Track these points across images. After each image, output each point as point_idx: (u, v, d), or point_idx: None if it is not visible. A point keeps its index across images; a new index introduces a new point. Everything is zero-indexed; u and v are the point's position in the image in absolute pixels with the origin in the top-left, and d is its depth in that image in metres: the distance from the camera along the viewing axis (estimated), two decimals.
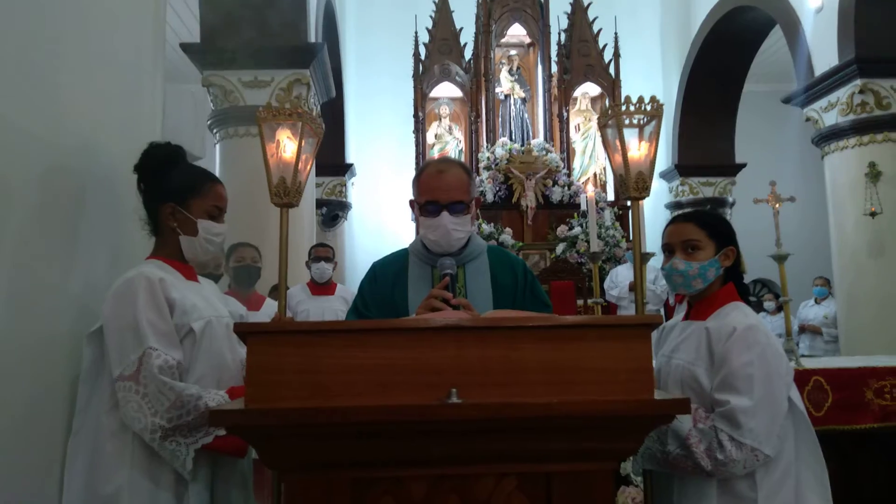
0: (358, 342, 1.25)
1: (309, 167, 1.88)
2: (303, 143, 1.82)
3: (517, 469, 1.29)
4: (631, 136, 1.76)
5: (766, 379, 1.55)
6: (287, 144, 1.82)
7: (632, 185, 1.78)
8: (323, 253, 4.48)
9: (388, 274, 1.88)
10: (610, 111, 1.77)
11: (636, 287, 1.79)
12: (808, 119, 6.57)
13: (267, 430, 1.24)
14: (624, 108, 1.71)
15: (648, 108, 1.71)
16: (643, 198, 1.81)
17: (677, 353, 1.70)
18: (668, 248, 1.76)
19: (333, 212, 8.76)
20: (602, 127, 1.81)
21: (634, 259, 1.79)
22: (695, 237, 1.72)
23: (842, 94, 6.05)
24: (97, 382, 1.58)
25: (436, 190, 1.80)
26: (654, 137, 1.74)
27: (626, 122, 1.73)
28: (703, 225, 1.73)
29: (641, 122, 1.75)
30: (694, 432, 1.55)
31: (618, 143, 1.77)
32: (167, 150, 1.77)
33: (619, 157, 1.78)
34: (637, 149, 1.77)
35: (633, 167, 1.76)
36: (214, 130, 6.01)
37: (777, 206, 3.03)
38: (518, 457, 1.28)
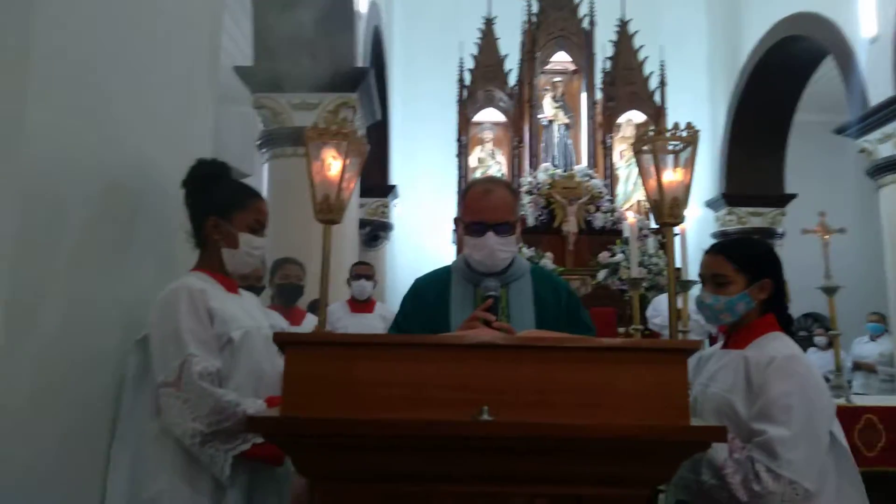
0: (393, 356, 1.27)
1: (352, 186, 1.93)
2: (347, 162, 1.87)
3: (548, 491, 1.28)
4: (666, 162, 1.75)
5: (806, 410, 1.51)
6: (332, 163, 1.88)
7: (666, 210, 1.77)
8: (363, 271, 4.54)
9: (431, 291, 1.89)
10: (645, 136, 1.77)
11: (670, 313, 1.76)
12: (862, 150, 6.39)
13: (301, 438, 1.26)
14: (656, 134, 1.71)
15: (684, 134, 1.70)
16: (677, 223, 1.80)
17: (714, 382, 1.67)
18: (702, 279, 1.74)
19: (374, 232, 8.87)
20: (637, 152, 1.81)
21: (669, 285, 1.77)
22: (722, 271, 1.69)
23: None
24: (141, 389, 1.63)
25: (482, 210, 1.80)
26: (690, 163, 1.73)
27: (665, 147, 1.73)
28: (732, 258, 1.70)
29: (676, 147, 1.74)
30: (730, 462, 1.51)
31: (653, 168, 1.76)
32: (213, 166, 1.84)
33: (653, 183, 1.78)
34: (672, 174, 1.75)
35: (667, 193, 1.75)
36: (263, 150, 6.18)
37: (827, 237, 2.94)
38: (549, 478, 1.27)
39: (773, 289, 1.69)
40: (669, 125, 1.83)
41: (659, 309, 6.70)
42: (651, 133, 1.64)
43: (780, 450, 1.48)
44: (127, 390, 1.64)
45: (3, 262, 1.34)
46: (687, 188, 1.65)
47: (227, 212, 1.77)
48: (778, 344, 1.62)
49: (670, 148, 1.62)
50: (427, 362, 1.26)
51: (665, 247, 7.32)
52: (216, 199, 1.78)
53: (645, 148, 1.63)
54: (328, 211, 1.80)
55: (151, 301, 1.71)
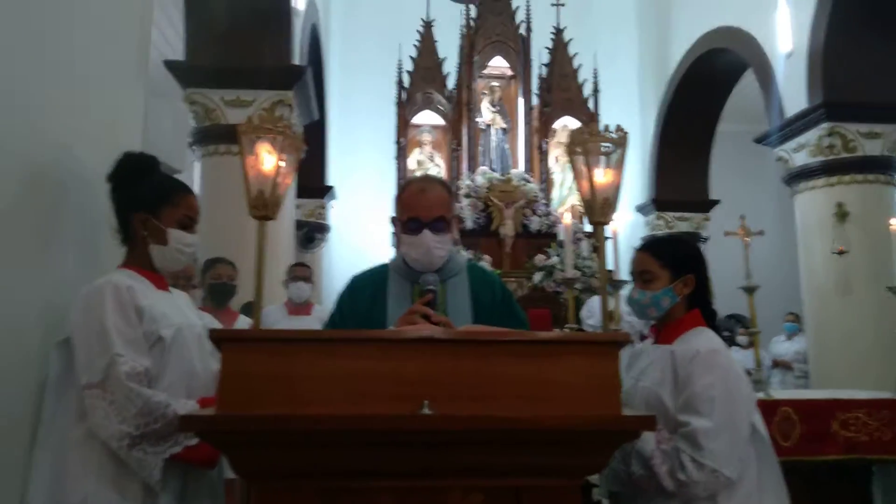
0: (331, 352, 1.26)
1: (288, 182, 1.90)
2: (283, 157, 1.84)
3: (485, 483, 1.30)
4: (598, 162, 1.81)
5: (727, 401, 1.59)
6: (266, 158, 1.84)
7: (598, 209, 1.83)
8: (301, 273, 4.46)
9: (368, 288, 1.89)
10: (578, 137, 1.82)
11: (602, 311, 1.82)
12: (779, 159, 6.77)
13: (237, 436, 1.23)
14: (590, 135, 1.76)
15: (614, 136, 1.76)
16: (607, 223, 1.86)
17: (644, 376, 1.73)
18: (632, 276, 1.82)
19: (311, 233, 8.74)
20: (571, 153, 1.86)
21: (601, 282, 1.82)
22: (647, 267, 1.77)
23: (811, 136, 6.25)
24: (64, 392, 1.56)
25: (417, 207, 1.83)
26: (620, 164, 1.79)
27: (592, 149, 1.78)
28: (657, 255, 1.78)
29: (608, 149, 1.80)
30: (657, 453, 1.57)
31: (585, 169, 1.81)
32: (140, 159, 1.78)
33: (586, 184, 1.83)
34: (603, 175, 1.81)
35: (598, 193, 1.81)
36: (195, 148, 6.00)
37: (747, 239, 3.11)
38: (487, 471, 1.29)
39: (697, 284, 1.77)
40: (590, 126, 1.89)
41: (593, 310, 6.88)
42: (584, 135, 1.68)
43: (702, 440, 1.55)
44: (49, 394, 1.56)
45: None
46: (617, 189, 1.71)
47: (156, 207, 1.71)
48: (702, 338, 1.70)
49: (602, 149, 1.67)
50: (366, 357, 1.26)
51: (596, 247, 7.45)
52: (144, 193, 1.72)
53: (578, 149, 1.68)
54: (263, 207, 1.76)
55: (73, 300, 1.63)
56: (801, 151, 6.38)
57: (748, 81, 8.35)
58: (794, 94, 6.44)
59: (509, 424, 1.24)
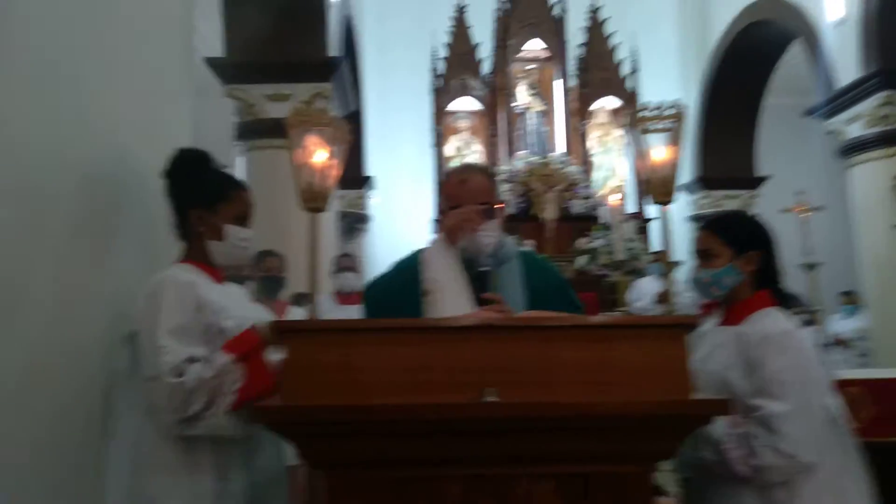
0: (394, 341, 1.25)
1: (336, 173, 1.91)
2: (331, 149, 1.84)
3: (554, 470, 1.28)
4: (654, 141, 1.75)
5: (801, 384, 1.53)
6: (315, 150, 1.85)
7: (656, 189, 1.78)
8: (347, 263, 4.49)
9: (395, 295, 1.82)
10: (634, 116, 1.77)
11: (667, 290, 1.77)
12: (830, 132, 6.51)
13: (304, 427, 1.24)
14: (646, 113, 1.71)
15: (670, 112, 1.71)
16: (668, 202, 1.80)
17: (711, 359, 1.68)
18: (695, 256, 1.76)
19: (352, 224, 8.81)
20: (627, 134, 1.81)
21: (664, 264, 1.77)
22: (709, 245, 1.71)
23: (866, 106, 6.00)
24: (134, 386, 1.59)
25: (460, 197, 1.81)
26: (678, 141, 1.74)
27: (650, 127, 1.73)
28: (718, 232, 1.72)
29: (666, 126, 1.74)
30: (729, 438, 1.53)
31: (642, 147, 1.76)
32: (195, 155, 1.79)
33: (644, 163, 1.78)
34: (660, 153, 1.76)
35: (656, 172, 1.76)
36: (236, 143, 6.08)
37: (805, 215, 2.99)
38: (554, 458, 1.27)
39: (762, 262, 1.70)
40: (641, 103, 1.83)
41: (641, 293, 6.77)
42: (640, 113, 1.64)
43: (777, 424, 1.49)
44: (122, 388, 1.60)
45: None
46: (675, 166, 1.65)
47: (212, 203, 1.72)
48: (772, 320, 1.63)
49: (659, 127, 1.62)
50: (429, 346, 1.26)
51: (643, 228, 7.30)
52: (199, 190, 1.73)
53: (637, 128, 1.63)
54: (313, 199, 1.77)
55: (135, 293, 1.66)
56: (855, 123, 6.13)
57: (793, 53, 8.06)
58: (846, 64, 6.18)
59: (574, 411, 1.22)
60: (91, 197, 1.69)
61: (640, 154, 1.72)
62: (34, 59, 1.47)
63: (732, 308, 1.72)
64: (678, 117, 1.68)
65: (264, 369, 1.52)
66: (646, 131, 1.67)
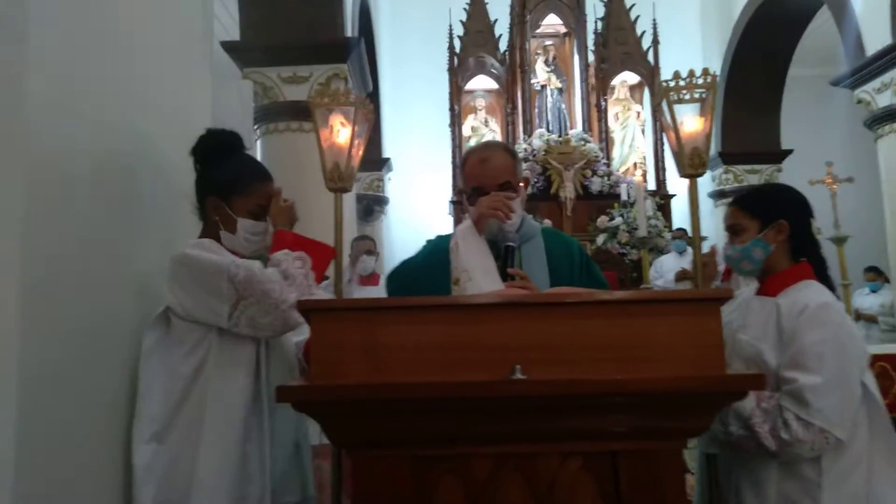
0: (421, 319, 1.24)
1: (361, 153, 1.89)
2: (356, 129, 1.82)
3: (583, 448, 1.26)
4: (684, 111, 1.71)
5: (839, 358, 1.49)
6: (340, 130, 1.83)
7: (686, 161, 1.74)
8: (365, 246, 4.50)
9: (423, 282, 1.77)
10: (661, 87, 1.73)
11: (696, 266, 1.74)
12: (859, 101, 6.34)
13: (331, 406, 1.24)
14: (674, 83, 1.66)
15: (701, 81, 1.66)
16: (700, 175, 1.76)
17: (744, 329, 1.64)
18: (727, 234, 1.73)
19: (370, 206, 8.82)
20: (657, 105, 1.77)
21: (694, 238, 1.74)
22: (736, 220, 1.69)
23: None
24: (161, 363, 1.60)
25: (480, 177, 1.77)
26: (710, 110, 1.69)
27: (681, 96, 1.68)
28: (743, 205, 1.69)
29: (698, 95, 1.69)
30: (757, 412, 1.50)
31: (672, 119, 1.72)
32: (222, 138, 1.76)
33: (673, 135, 1.74)
34: (692, 124, 1.72)
35: (687, 143, 1.72)
36: (256, 126, 6.09)
37: (834, 186, 2.92)
38: (583, 435, 1.26)
39: (796, 231, 1.65)
40: (672, 73, 1.78)
41: (661, 270, 6.71)
42: (671, 82, 1.59)
43: (810, 397, 1.46)
44: (144, 366, 1.61)
45: (12, 240, 1.31)
46: (707, 137, 1.61)
47: (228, 194, 1.70)
48: (811, 291, 1.59)
49: (688, 97, 1.58)
50: (455, 323, 1.24)
51: (670, 209, 7.19)
52: (218, 178, 1.71)
53: (672, 96, 1.58)
54: (339, 179, 1.75)
55: (158, 272, 1.67)
56: (885, 91, 5.95)
57: (819, 21, 7.84)
58: (876, 31, 5.99)
59: (604, 388, 1.20)
60: (115, 182, 1.70)
61: (669, 125, 1.67)
62: (62, 47, 1.47)
63: (769, 279, 1.67)
64: (711, 86, 1.63)
65: (314, 242, 1.67)
66: (676, 101, 1.62)
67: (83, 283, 1.53)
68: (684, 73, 1.73)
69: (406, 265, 1.88)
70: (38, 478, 1.35)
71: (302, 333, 1.65)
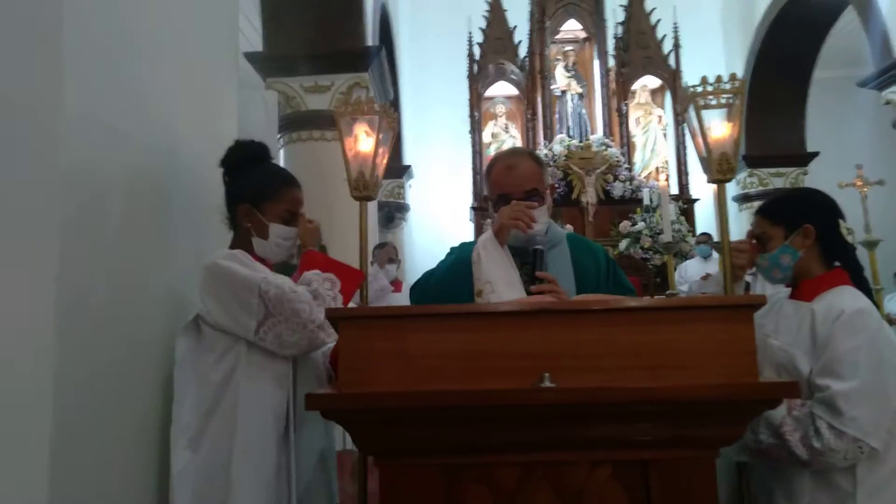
0: (449, 327, 1.24)
1: (385, 161, 1.90)
2: (380, 137, 1.83)
3: (612, 456, 1.26)
4: (711, 116, 1.69)
5: (875, 366, 1.46)
6: (364, 139, 1.84)
7: (714, 167, 1.72)
8: (387, 254, 4.52)
9: (445, 294, 1.74)
10: (686, 92, 1.71)
11: (725, 271, 1.71)
12: (887, 102, 6.22)
13: (359, 414, 1.24)
14: (701, 88, 1.64)
15: (728, 86, 1.65)
16: (728, 180, 1.74)
17: (776, 334, 1.61)
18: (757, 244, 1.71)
19: (391, 213, 8.85)
20: (683, 111, 1.76)
21: (723, 242, 1.72)
22: (762, 229, 1.67)
23: None
24: (193, 370, 1.63)
25: (506, 184, 1.76)
26: (738, 115, 1.68)
27: (708, 102, 1.67)
28: (767, 214, 1.68)
29: (727, 100, 1.68)
30: (788, 420, 1.47)
31: (699, 124, 1.70)
32: (250, 149, 1.81)
33: (701, 140, 1.72)
34: (720, 129, 1.70)
35: (715, 148, 1.70)
36: (278, 136, 6.15)
37: (865, 189, 2.87)
38: (613, 444, 1.25)
39: (820, 233, 1.62)
40: (700, 78, 1.76)
41: (685, 276, 6.63)
42: (698, 88, 1.58)
43: (843, 406, 1.43)
44: (178, 375, 1.63)
45: (49, 251, 1.33)
46: (736, 142, 1.59)
47: (259, 201, 1.73)
48: (847, 297, 1.56)
49: (715, 103, 1.56)
50: (482, 331, 1.24)
51: (693, 214, 7.09)
52: (248, 186, 1.75)
53: (700, 102, 1.57)
54: (364, 188, 1.76)
55: (191, 285, 1.69)
56: None
57: (844, 22, 7.72)
58: None
59: (635, 397, 1.19)
60: (145, 193, 1.72)
61: (696, 131, 1.65)
62: (95, 60, 1.51)
63: (804, 284, 1.65)
64: (738, 90, 1.61)
65: (343, 266, 1.69)
66: (704, 107, 1.61)
67: (116, 292, 1.56)
68: (708, 76, 1.71)
69: (428, 278, 1.87)
70: (73, 486, 1.37)
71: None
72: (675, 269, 6.85)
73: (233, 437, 1.54)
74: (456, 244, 1.98)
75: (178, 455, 1.56)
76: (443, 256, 1.93)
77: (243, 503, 1.52)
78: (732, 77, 1.61)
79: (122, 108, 1.62)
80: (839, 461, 1.45)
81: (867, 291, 1.59)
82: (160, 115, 1.82)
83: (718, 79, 1.61)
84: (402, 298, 4.23)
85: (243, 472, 1.53)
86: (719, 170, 1.64)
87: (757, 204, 1.64)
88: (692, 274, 6.60)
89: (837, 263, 1.64)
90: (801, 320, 1.57)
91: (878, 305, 3.12)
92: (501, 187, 1.77)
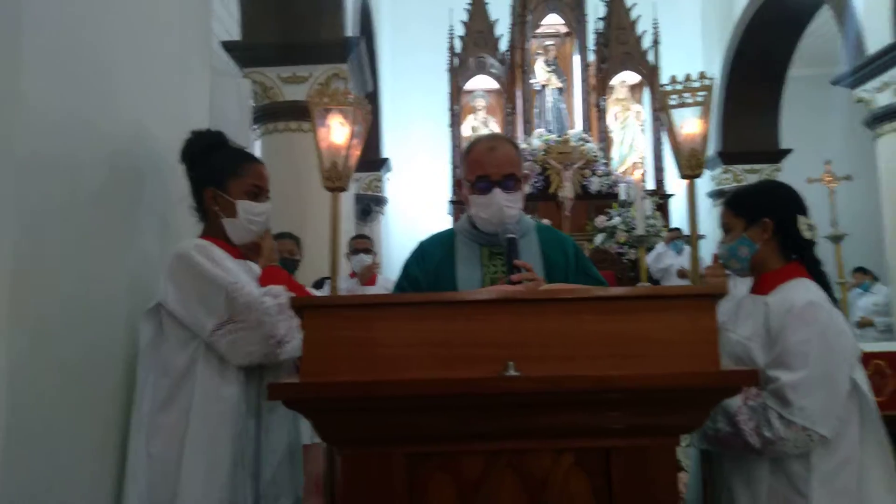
0: (413, 315, 1.23)
1: (358, 152, 1.89)
2: (354, 128, 1.82)
3: (575, 444, 1.26)
4: (684, 114, 1.72)
5: (824, 357, 1.48)
6: (338, 129, 1.83)
7: (684, 163, 1.74)
8: (362, 245, 4.50)
9: (436, 252, 1.86)
10: (665, 89, 1.73)
11: (692, 264, 1.74)
12: (859, 100, 6.33)
13: (323, 403, 1.23)
14: (671, 87, 1.66)
15: (697, 84, 1.67)
16: (697, 176, 1.76)
17: (734, 327, 1.64)
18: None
19: (368, 206, 8.82)
20: (659, 109, 1.78)
21: (692, 237, 1.74)
22: (725, 220, 1.70)
23: None
24: (156, 357, 1.60)
25: (486, 165, 1.77)
26: (706, 112, 1.70)
27: (683, 99, 1.69)
28: (730, 204, 1.70)
29: (694, 99, 1.70)
30: (743, 409, 1.50)
31: (671, 121, 1.72)
32: (207, 136, 1.80)
33: (672, 137, 1.74)
34: (690, 126, 1.72)
35: (685, 145, 1.72)
36: (255, 126, 6.09)
37: (832, 185, 2.92)
38: (576, 432, 1.25)
39: (778, 228, 1.64)
40: (670, 77, 1.78)
41: (660, 256, 6.74)
42: (668, 86, 1.60)
43: (791, 396, 1.46)
44: (142, 360, 1.61)
45: (5, 233, 1.31)
46: (704, 138, 1.61)
47: (222, 180, 1.72)
48: (799, 290, 1.58)
49: (693, 99, 1.58)
50: (448, 320, 1.24)
51: (668, 209, 7.18)
52: (210, 169, 1.74)
53: (671, 101, 1.59)
54: (336, 178, 1.75)
55: (156, 271, 1.67)
56: (885, 91, 5.95)
57: (819, 22, 7.84)
58: (877, 30, 5.98)
59: (597, 385, 1.19)
60: (112, 178, 1.70)
61: (668, 127, 1.68)
62: (57, 47, 1.48)
63: (762, 278, 1.67)
64: (707, 89, 1.63)
65: (304, 288, 1.68)
66: (673, 105, 1.63)
67: (80, 282, 1.53)
68: (690, 73, 1.74)
69: (433, 239, 1.93)
70: (24, 476, 1.34)
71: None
72: (651, 252, 6.91)
73: (186, 431, 1.52)
74: (425, 238, 1.97)
75: (133, 445, 1.54)
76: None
77: (193, 498, 1.50)
78: (702, 75, 1.62)
79: (85, 98, 1.59)
80: (790, 449, 1.47)
81: (825, 286, 1.61)
82: (126, 103, 1.79)
83: (688, 77, 1.63)
84: (377, 291, 4.22)
85: (196, 468, 1.51)
86: (688, 165, 1.67)
87: None
88: (664, 255, 6.70)
89: (795, 257, 1.66)
90: (756, 314, 1.59)
91: (842, 300, 3.18)
92: (482, 167, 1.78)
